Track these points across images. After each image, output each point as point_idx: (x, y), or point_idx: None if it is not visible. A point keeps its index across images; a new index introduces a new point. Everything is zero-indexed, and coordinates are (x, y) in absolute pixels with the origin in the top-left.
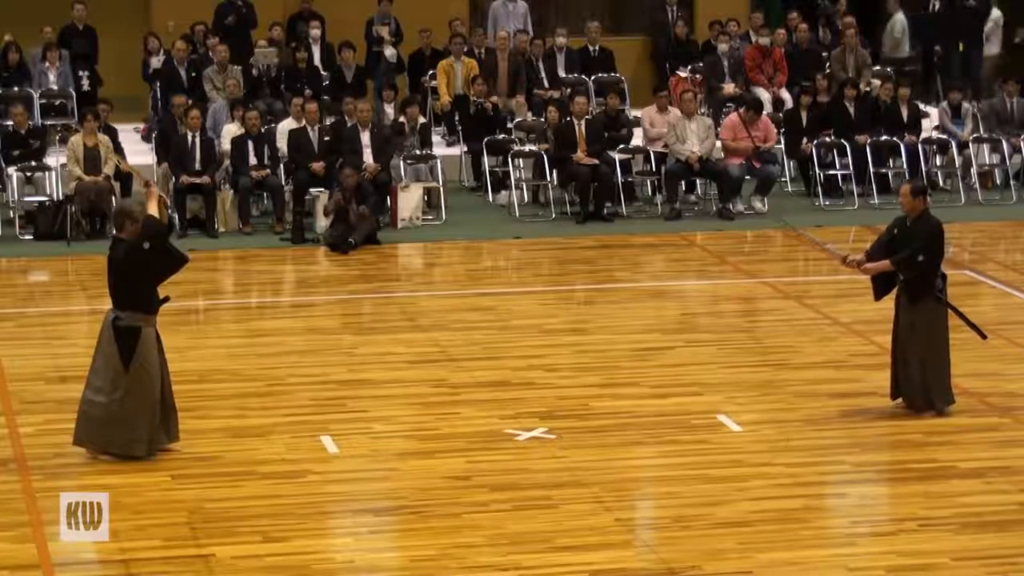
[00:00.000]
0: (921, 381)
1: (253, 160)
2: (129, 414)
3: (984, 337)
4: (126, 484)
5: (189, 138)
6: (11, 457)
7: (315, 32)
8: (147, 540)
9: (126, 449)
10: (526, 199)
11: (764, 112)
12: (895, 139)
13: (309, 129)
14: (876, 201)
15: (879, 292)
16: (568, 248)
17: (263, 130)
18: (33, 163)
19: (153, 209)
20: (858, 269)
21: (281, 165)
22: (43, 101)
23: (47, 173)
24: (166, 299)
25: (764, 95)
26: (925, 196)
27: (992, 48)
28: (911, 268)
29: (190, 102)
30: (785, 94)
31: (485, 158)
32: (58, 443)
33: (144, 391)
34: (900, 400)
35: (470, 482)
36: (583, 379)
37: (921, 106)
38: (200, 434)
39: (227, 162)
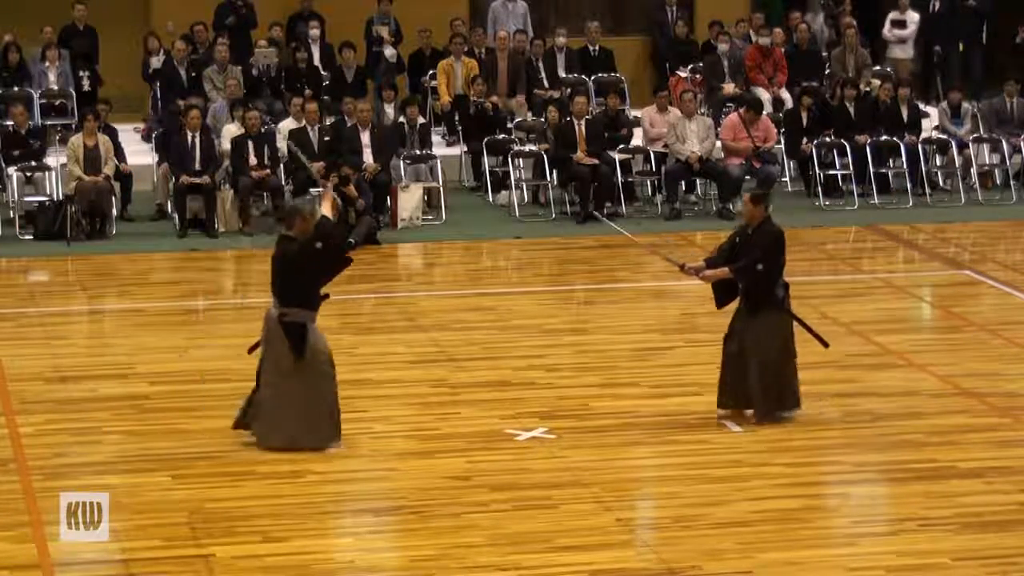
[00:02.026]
0: (762, 388)
1: (253, 160)
2: (308, 406)
3: (826, 346)
4: (126, 484)
5: (189, 138)
6: (11, 457)
7: (315, 32)
8: (147, 540)
9: (313, 443)
10: (526, 199)
11: (764, 112)
12: (895, 139)
13: (309, 129)
14: (876, 201)
15: (720, 300)
16: (568, 248)
17: (263, 130)
18: (33, 163)
19: (327, 209)
20: (697, 277)
21: (281, 165)
22: (43, 101)
23: (47, 173)
24: (326, 296)
25: (764, 95)
26: (766, 204)
27: (907, 51)
28: (750, 276)
29: (192, 102)
30: (785, 94)
31: (485, 158)
32: (58, 443)
33: (320, 381)
34: (727, 409)
35: (470, 482)
36: (583, 379)
37: (921, 106)
38: (200, 434)
39: (227, 162)
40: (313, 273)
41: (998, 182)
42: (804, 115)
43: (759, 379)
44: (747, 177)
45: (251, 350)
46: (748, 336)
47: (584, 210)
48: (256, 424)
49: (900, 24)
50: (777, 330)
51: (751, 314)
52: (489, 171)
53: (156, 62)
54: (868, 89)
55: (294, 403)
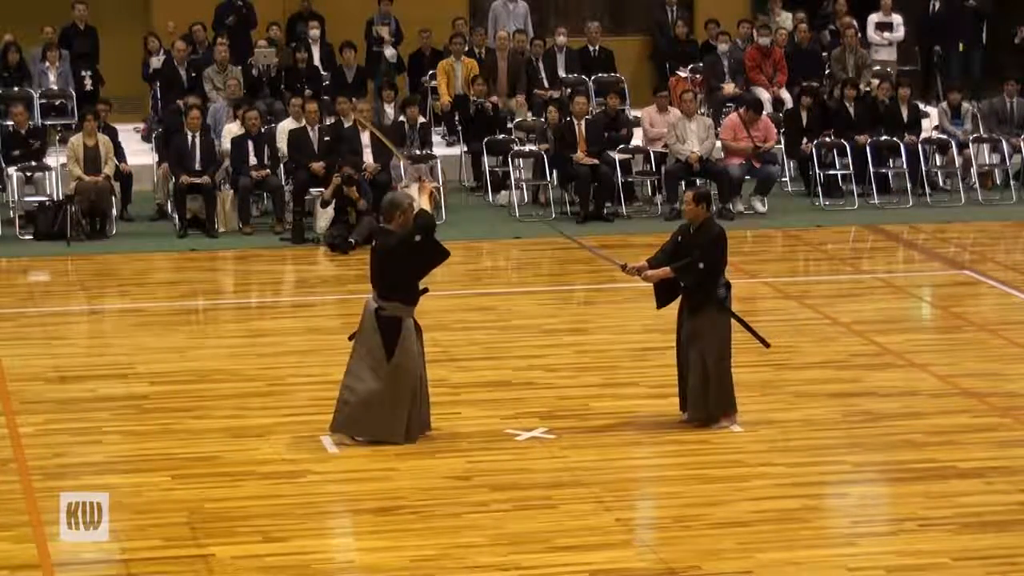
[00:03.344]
0: (703, 391)
1: (253, 160)
2: (390, 402)
3: (767, 346)
4: (126, 484)
5: (189, 138)
6: (11, 457)
7: (315, 32)
8: (147, 540)
9: (386, 436)
10: (526, 199)
11: (764, 112)
12: (895, 139)
13: (309, 129)
14: (876, 201)
15: (661, 300)
16: (568, 248)
17: (263, 130)
18: (33, 163)
19: (425, 203)
20: (639, 277)
21: (281, 165)
22: (43, 101)
23: (47, 173)
24: (425, 290)
25: (764, 95)
26: (708, 204)
27: (892, 52)
28: (691, 275)
29: (192, 102)
30: (785, 94)
31: (485, 158)
32: (58, 443)
33: (405, 379)
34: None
35: (470, 482)
36: (583, 379)
37: (921, 106)
38: (200, 434)
39: (227, 162)
40: (412, 266)
41: (998, 182)
42: (804, 115)
43: (703, 382)
44: (747, 177)
45: (351, 337)
46: (690, 335)
47: (584, 210)
48: (341, 414)
49: (887, 27)
50: (717, 329)
51: (692, 313)
52: (489, 171)
53: (156, 62)
54: (868, 89)
55: (378, 397)
